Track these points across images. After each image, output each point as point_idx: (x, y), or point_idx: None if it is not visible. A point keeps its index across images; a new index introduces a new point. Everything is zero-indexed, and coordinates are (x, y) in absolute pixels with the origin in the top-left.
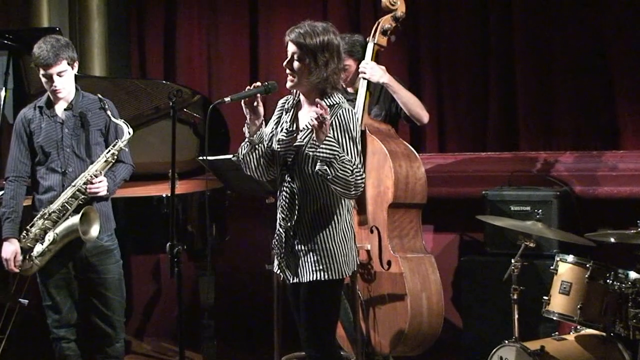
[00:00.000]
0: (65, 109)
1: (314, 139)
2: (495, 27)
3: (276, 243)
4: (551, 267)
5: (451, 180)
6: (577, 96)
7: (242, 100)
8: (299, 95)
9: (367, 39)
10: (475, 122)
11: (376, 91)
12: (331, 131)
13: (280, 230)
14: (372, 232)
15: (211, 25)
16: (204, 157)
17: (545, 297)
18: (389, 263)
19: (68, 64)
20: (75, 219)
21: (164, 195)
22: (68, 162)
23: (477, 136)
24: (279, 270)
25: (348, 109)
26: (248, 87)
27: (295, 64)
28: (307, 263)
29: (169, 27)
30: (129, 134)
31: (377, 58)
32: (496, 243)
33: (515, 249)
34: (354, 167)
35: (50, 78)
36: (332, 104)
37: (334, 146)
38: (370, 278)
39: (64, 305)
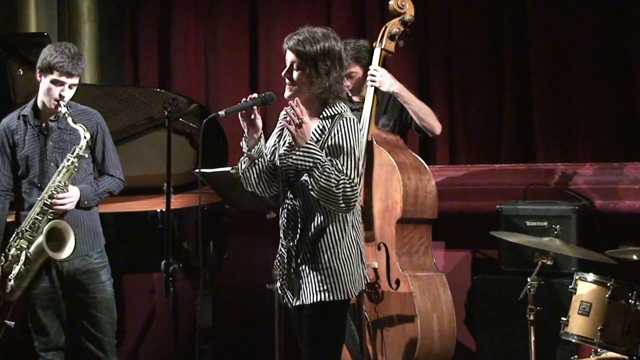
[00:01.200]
0: (51, 120)
1: (292, 144)
2: (509, 32)
3: (278, 263)
4: (570, 287)
5: (463, 194)
6: (597, 104)
7: (239, 113)
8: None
9: (374, 45)
10: (488, 132)
11: (384, 99)
12: (328, 145)
13: (282, 249)
14: (379, 249)
15: (209, 29)
16: (201, 170)
17: (563, 318)
18: (397, 282)
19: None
20: (41, 238)
21: (159, 210)
22: (50, 177)
23: (490, 147)
24: (281, 292)
25: (350, 119)
26: (244, 98)
27: (295, 74)
28: (310, 283)
29: (164, 31)
30: (85, 138)
31: (385, 65)
32: (511, 261)
33: (532, 267)
34: (342, 178)
35: (61, 85)
36: (333, 114)
37: (314, 153)
38: (378, 298)
39: (51, 327)
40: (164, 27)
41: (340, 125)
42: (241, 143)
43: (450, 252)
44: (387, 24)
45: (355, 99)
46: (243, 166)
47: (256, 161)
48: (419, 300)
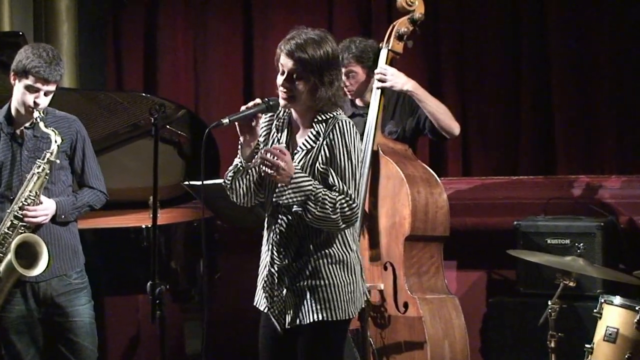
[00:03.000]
0: (26, 127)
1: (279, 184)
2: (527, 32)
3: (266, 285)
4: (594, 311)
5: (477, 209)
6: (623, 111)
7: (226, 124)
8: (290, 112)
9: (380, 45)
10: (504, 140)
11: (390, 104)
12: (323, 151)
13: (273, 269)
14: (385, 269)
15: (199, 28)
16: (190, 182)
17: (587, 345)
18: (405, 305)
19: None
20: (10, 255)
21: (144, 227)
22: None
23: (507, 157)
24: (270, 315)
25: (346, 122)
26: (246, 105)
27: (297, 84)
28: (309, 302)
29: (150, 30)
30: (56, 142)
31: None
32: (530, 282)
33: (553, 289)
34: (338, 199)
35: (36, 92)
36: (327, 117)
37: (303, 186)
38: (384, 323)
39: (26, 353)
40: (149, 26)
41: (336, 130)
42: (239, 153)
43: (463, 273)
44: (394, 23)
45: (358, 103)
46: (230, 174)
47: (249, 171)
48: (429, 325)
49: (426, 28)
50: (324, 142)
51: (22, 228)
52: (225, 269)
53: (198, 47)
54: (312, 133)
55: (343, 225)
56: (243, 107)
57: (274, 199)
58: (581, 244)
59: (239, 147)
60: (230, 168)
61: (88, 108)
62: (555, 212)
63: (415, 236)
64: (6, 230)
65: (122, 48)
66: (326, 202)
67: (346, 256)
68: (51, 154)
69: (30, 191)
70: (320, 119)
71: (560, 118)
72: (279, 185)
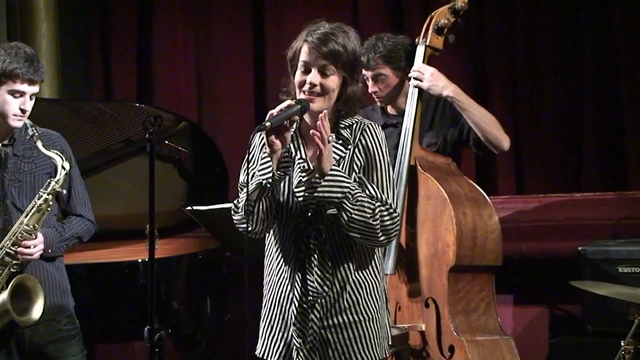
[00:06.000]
0: (4, 144)
1: (312, 170)
2: (590, 22)
3: (296, 320)
4: None
5: (535, 233)
6: None
7: (269, 127)
8: (299, 122)
9: (416, 41)
10: (564, 152)
11: (428, 111)
12: (356, 158)
13: (303, 305)
14: (427, 306)
15: (201, 25)
16: (196, 207)
17: None
18: (451, 349)
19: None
20: (3, 296)
21: (140, 261)
22: (6, 218)
23: (568, 172)
24: (302, 357)
25: (373, 124)
26: (279, 107)
27: (330, 81)
28: (352, 339)
29: (143, 28)
30: (64, 168)
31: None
32: (599, 319)
33: (626, 326)
34: (377, 205)
35: (22, 96)
36: (351, 123)
37: (342, 181)
38: None
39: None
40: (143, 24)
41: (367, 134)
42: (267, 167)
43: (519, 309)
44: (432, 14)
45: (390, 111)
46: (253, 196)
47: (274, 189)
48: None
49: (471, 19)
50: (355, 149)
51: (15, 266)
52: (237, 309)
53: (200, 47)
54: (337, 141)
55: (382, 238)
56: (275, 110)
57: (302, 196)
58: None
59: (270, 159)
60: (250, 189)
61: (72, 122)
62: (627, 234)
63: (462, 266)
64: None
65: (110, 50)
66: (365, 205)
67: (380, 285)
68: (57, 182)
69: (27, 224)
70: (344, 124)
71: (630, 125)
72: (313, 179)
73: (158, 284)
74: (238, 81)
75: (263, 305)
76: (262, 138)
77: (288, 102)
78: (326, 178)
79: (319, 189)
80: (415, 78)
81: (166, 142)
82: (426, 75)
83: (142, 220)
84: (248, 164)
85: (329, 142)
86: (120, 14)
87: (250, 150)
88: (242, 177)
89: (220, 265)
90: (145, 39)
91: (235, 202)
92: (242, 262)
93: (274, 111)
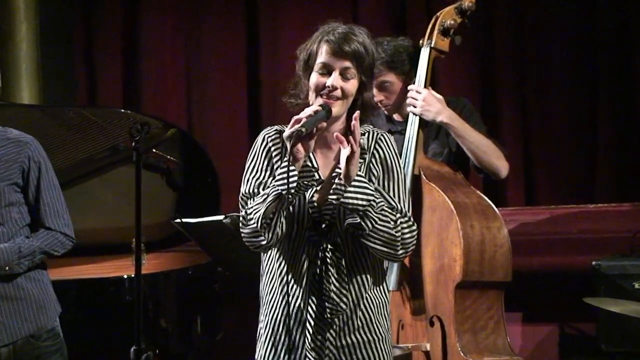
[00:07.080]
0: None
1: (339, 178)
2: (602, 21)
3: (311, 339)
4: None
5: (546, 247)
6: None
7: (305, 133)
8: (325, 126)
9: (420, 42)
10: (577, 161)
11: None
12: (373, 168)
13: (319, 324)
14: (432, 324)
15: (191, 26)
16: (185, 220)
17: None
18: None
19: None
20: None
21: (126, 277)
22: None
23: (581, 181)
24: None
25: (386, 134)
26: (308, 112)
27: (350, 85)
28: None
29: (129, 30)
30: None
31: (434, 69)
32: (614, 338)
33: None
34: (398, 217)
35: None
36: (364, 131)
37: (367, 188)
38: None
39: None
40: (129, 25)
41: (383, 144)
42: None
43: (530, 327)
44: (437, 15)
45: (396, 117)
46: (271, 208)
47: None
48: None
49: (478, 20)
50: (372, 159)
51: None
52: (228, 328)
53: (190, 48)
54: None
55: (401, 252)
56: (302, 116)
57: (328, 203)
58: None
59: (293, 165)
60: (268, 200)
61: (53, 129)
62: None
63: (469, 282)
64: None
65: (94, 52)
66: (388, 214)
67: (389, 303)
68: None
69: None
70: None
71: None
72: (336, 185)
73: (145, 302)
74: (230, 85)
75: (263, 325)
76: (268, 144)
77: (315, 107)
78: (353, 183)
79: (346, 195)
80: (409, 102)
81: (154, 150)
82: (419, 101)
83: (128, 233)
84: (254, 172)
85: (359, 146)
86: (105, 13)
87: (254, 157)
88: (246, 187)
89: (212, 281)
90: (132, 39)
91: (243, 213)
92: (234, 278)
93: (301, 116)
